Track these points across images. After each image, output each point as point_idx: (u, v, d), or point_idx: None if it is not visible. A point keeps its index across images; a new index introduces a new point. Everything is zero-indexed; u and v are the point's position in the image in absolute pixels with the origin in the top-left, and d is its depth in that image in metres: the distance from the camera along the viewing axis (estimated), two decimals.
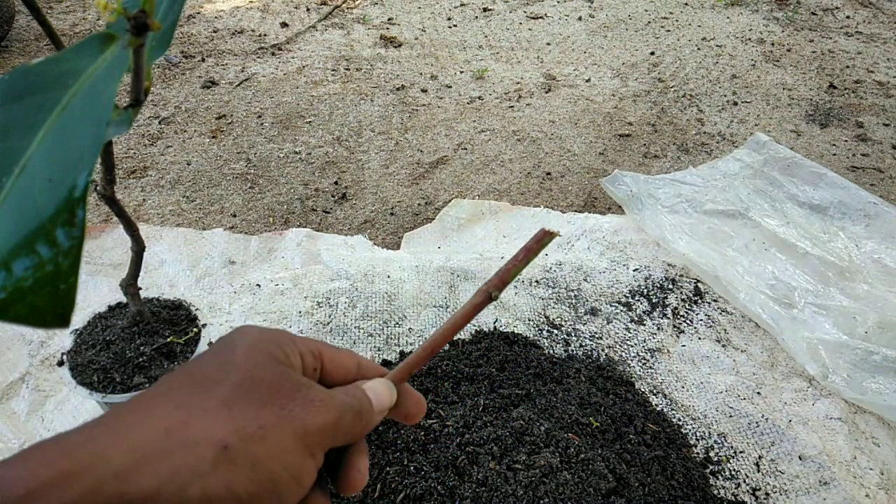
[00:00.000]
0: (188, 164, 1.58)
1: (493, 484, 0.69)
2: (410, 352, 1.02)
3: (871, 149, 1.80)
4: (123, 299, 0.76)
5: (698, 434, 0.93)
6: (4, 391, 0.91)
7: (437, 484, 0.70)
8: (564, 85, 2.10)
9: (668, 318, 1.13)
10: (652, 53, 2.35)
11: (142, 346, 0.72)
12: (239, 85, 1.96)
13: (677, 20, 2.67)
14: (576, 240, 1.33)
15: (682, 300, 1.18)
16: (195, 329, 0.76)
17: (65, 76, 0.27)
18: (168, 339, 0.74)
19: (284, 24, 2.38)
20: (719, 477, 0.87)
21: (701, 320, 1.14)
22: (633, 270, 1.23)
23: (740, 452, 0.91)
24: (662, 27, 2.60)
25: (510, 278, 0.32)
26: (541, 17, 2.64)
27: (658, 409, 0.96)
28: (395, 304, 1.11)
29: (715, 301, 1.18)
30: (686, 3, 2.86)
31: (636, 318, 1.13)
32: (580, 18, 2.64)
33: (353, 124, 1.80)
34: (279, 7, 2.54)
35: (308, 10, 2.54)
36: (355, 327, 1.06)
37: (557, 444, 0.75)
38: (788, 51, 2.41)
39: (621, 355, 1.06)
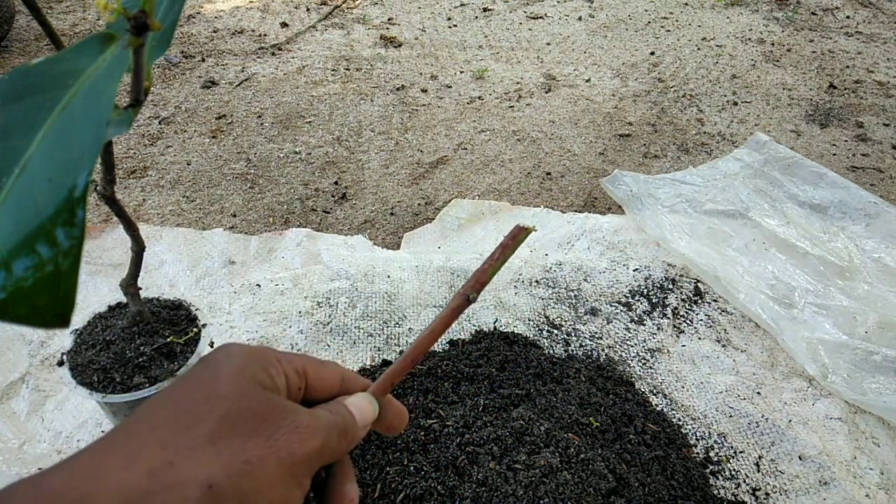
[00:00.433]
0: (188, 164, 1.58)
1: (493, 484, 0.69)
2: None
3: (871, 149, 1.80)
4: (123, 299, 0.76)
5: (698, 434, 0.93)
6: (4, 391, 0.91)
7: (437, 484, 0.70)
8: (564, 85, 2.10)
9: (668, 318, 1.13)
10: (652, 53, 2.35)
11: (142, 346, 0.72)
12: (239, 85, 1.96)
13: (677, 20, 2.67)
14: (576, 240, 1.33)
15: (682, 300, 1.18)
16: (195, 329, 0.76)
17: (65, 76, 0.27)
18: (168, 339, 0.74)
19: (284, 24, 2.38)
20: (719, 477, 0.87)
21: (701, 320, 1.14)
22: (633, 270, 1.23)
23: (740, 452, 0.91)
24: (662, 27, 2.60)
25: (487, 279, 0.32)
26: (541, 17, 2.64)
27: (658, 409, 0.96)
28: (395, 304, 1.11)
29: (715, 301, 1.18)
30: (686, 3, 2.86)
31: (636, 318, 1.13)
32: (580, 18, 2.64)
33: (353, 124, 1.80)
34: (279, 7, 2.54)
35: (308, 10, 2.54)
36: (355, 327, 1.06)
37: (557, 444, 0.75)
38: (788, 51, 2.41)
39: (621, 355, 1.06)
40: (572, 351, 1.06)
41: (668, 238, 1.29)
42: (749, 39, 2.50)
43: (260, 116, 1.81)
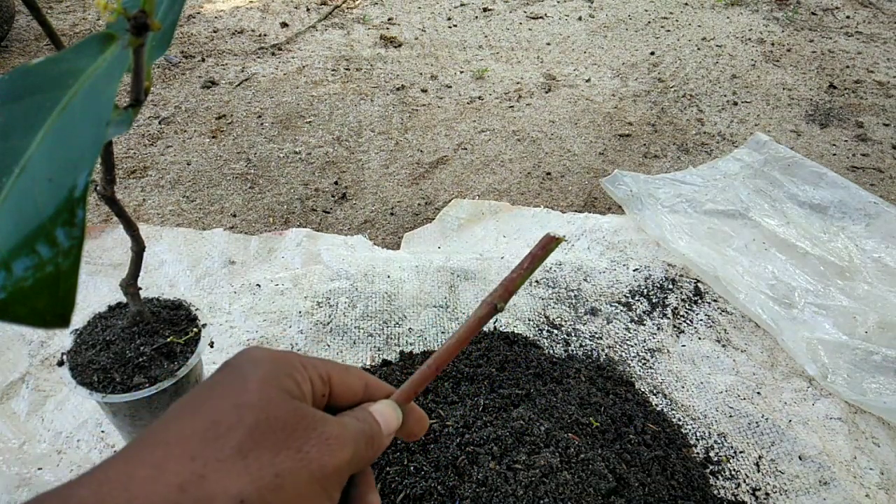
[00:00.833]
0: (188, 164, 1.58)
1: (493, 484, 0.69)
2: (411, 352, 1.02)
3: (871, 149, 1.80)
4: (123, 299, 0.76)
5: (698, 434, 0.93)
6: (4, 391, 0.91)
7: (437, 484, 0.70)
8: (564, 85, 2.10)
9: (668, 318, 1.13)
10: (652, 53, 2.35)
11: (142, 346, 0.72)
12: (239, 85, 1.96)
13: (677, 20, 2.67)
14: (576, 240, 1.33)
15: (682, 300, 1.18)
16: (195, 329, 0.76)
17: (65, 76, 0.27)
18: (168, 339, 0.74)
19: (284, 24, 2.38)
20: (719, 477, 0.87)
21: (701, 320, 1.14)
22: (633, 270, 1.23)
23: (740, 452, 0.91)
24: (662, 27, 2.60)
25: (516, 288, 0.31)
26: (541, 17, 2.64)
27: (658, 409, 0.96)
28: (395, 304, 1.11)
29: (715, 301, 1.18)
30: (686, 3, 2.86)
31: (636, 318, 1.13)
32: (580, 18, 2.64)
33: (353, 124, 1.80)
34: (279, 7, 2.54)
35: (308, 10, 2.53)
36: (355, 327, 1.06)
37: (557, 443, 0.75)
38: (788, 51, 2.41)
39: (621, 355, 1.06)
40: (572, 351, 1.06)
41: (668, 238, 1.29)
42: (749, 39, 2.50)
43: (260, 116, 1.81)
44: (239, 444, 0.24)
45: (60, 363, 0.72)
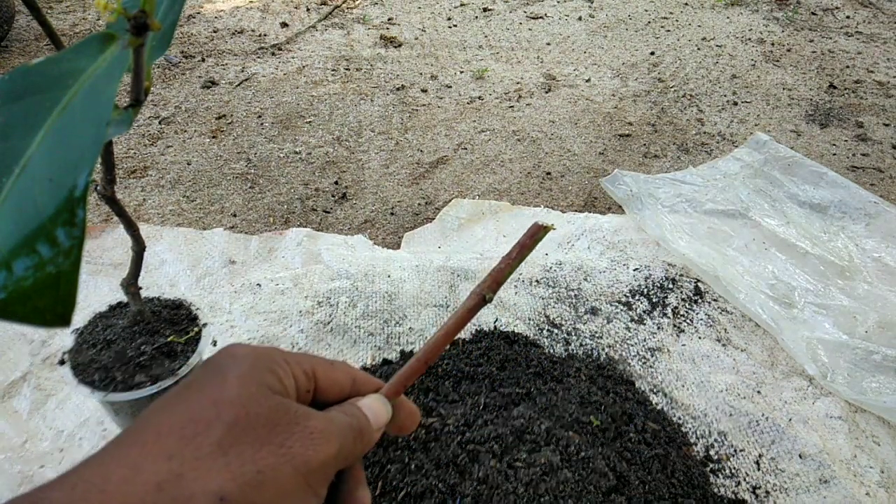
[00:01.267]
0: (188, 164, 1.58)
1: (494, 482, 0.69)
2: (411, 351, 1.02)
3: (871, 149, 1.80)
4: (124, 299, 0.76)
5: (698, 432, 0.93)
6: (6, 390, 0.91)
7: (438, 482, 0.70)
8: (564, 85, 2.10)
9: (669, 317, 1.14)
10: (652, 53, 2.35)
11: (143, 345, 0.72)
12: (239, 85, 1.96)
13: (677, 20, 2.67)
14: (576, 239, 1.33)
15: (683, 300, 1.18)
16: (196, 328, 0.76)
17: (65, 76, 0.27)
18: (169, 339, 0.74)
19: (284, 24, 2.39)
20: (719, 475, 0.87)
21: (701, 320, 1.14)
22: (634, 270, 1.23)
23: (740, 451, 0.91)
24: (662, 27, 2.60)
25: (504, 278, 0.30)
26: (541, 17, 2.64)
27: (658, 407, 0.96)
28: (395, 304, 1.11)
29: (715, 301, 1.18)
30: (686, 3, 2.86)
31: (636, 318, 1.13)
32: (580, 18, 2.64)
33: (353, 124, 1.80)
34: (279, 7, 2.54)
35: (308, 10, 2.54)
36: (356, 326, 1.06)
37: (558, 442, 0.75)
38: (788, 51, 2.41)
39: (621, 354, 1.06)
40: (572, 350, 1.06)
41: (668, 238, 1.29)
42: (749, 39, 2.50)
43: (260, 116, 1.81)
44: (218, 440, 0.23)
45: (62, 362, 0.72)
